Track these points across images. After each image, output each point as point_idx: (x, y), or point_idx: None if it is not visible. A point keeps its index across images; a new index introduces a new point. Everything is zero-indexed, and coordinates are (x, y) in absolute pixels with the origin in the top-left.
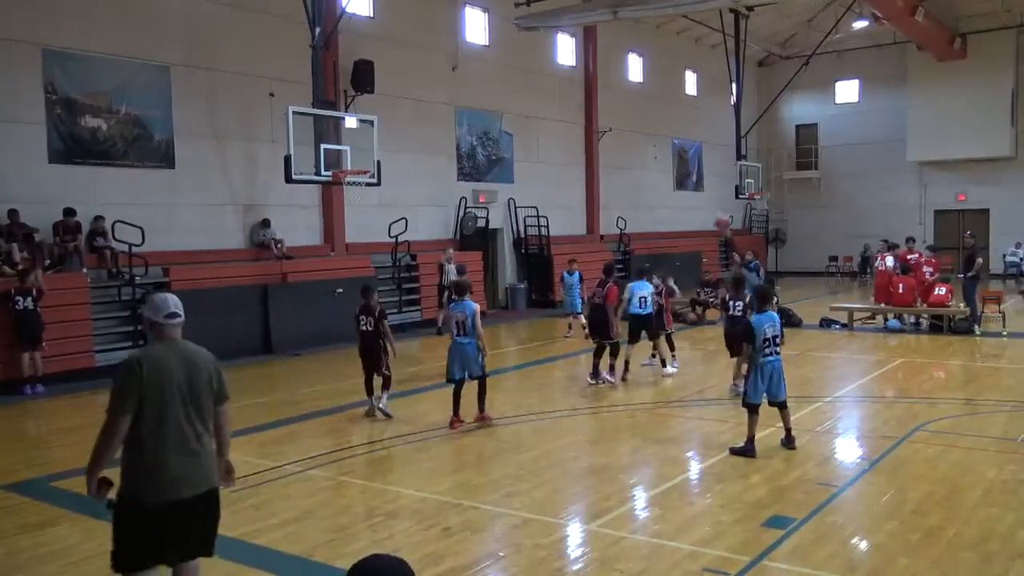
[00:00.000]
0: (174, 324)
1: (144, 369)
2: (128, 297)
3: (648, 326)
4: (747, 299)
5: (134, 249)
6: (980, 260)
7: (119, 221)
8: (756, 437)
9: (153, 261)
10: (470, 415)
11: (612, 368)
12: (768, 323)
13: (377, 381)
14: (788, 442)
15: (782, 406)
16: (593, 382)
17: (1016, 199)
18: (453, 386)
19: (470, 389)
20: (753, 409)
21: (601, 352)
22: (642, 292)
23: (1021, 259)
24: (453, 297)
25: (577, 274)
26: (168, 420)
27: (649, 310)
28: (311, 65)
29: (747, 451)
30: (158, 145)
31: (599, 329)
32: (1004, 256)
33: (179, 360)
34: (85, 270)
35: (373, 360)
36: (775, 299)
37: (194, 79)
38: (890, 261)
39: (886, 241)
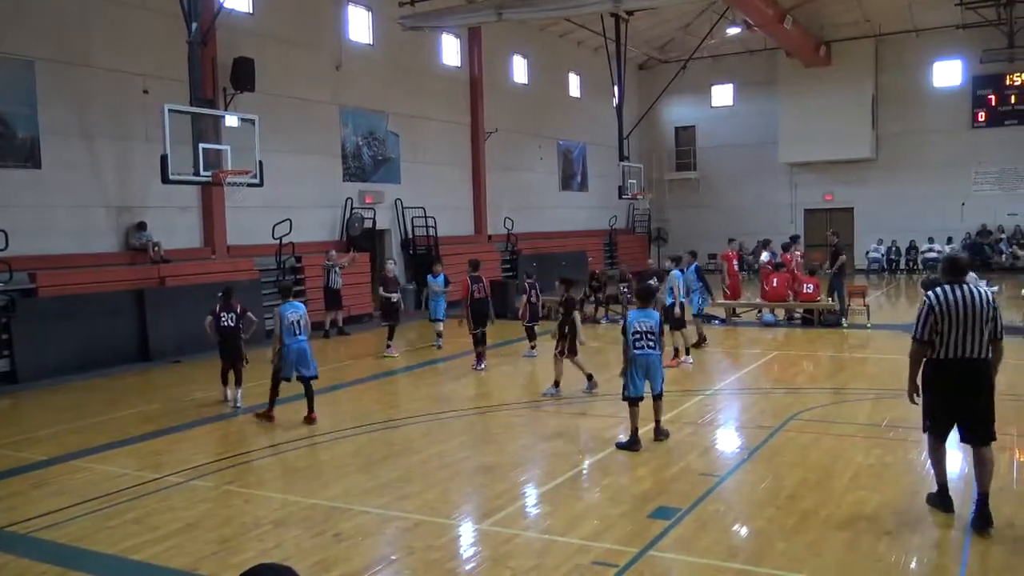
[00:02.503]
0: None
1: None
2: None
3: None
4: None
5: None
6: (844, 256)
7: None
8: (639, 430)
9: (18, 266)
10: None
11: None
12: (642, 319)
13: (232, 377)
14: (658, 434)
15: (656, 398)
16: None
17: (877, 198)
18: (284, 383)
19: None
20: (633, 402)
21: (483, 341)
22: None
23: (882, 255)
24: (289, 299)
25: (442, 277)
26: None
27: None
28: (188, 62)
29: (632, 444)
30: (22, 144)
31: (481, 319)
32: (867, 252)
33: None
34: None
35: (236, 353)
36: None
37: (62, 75)
38: (764, 257)
39: (761, 241)
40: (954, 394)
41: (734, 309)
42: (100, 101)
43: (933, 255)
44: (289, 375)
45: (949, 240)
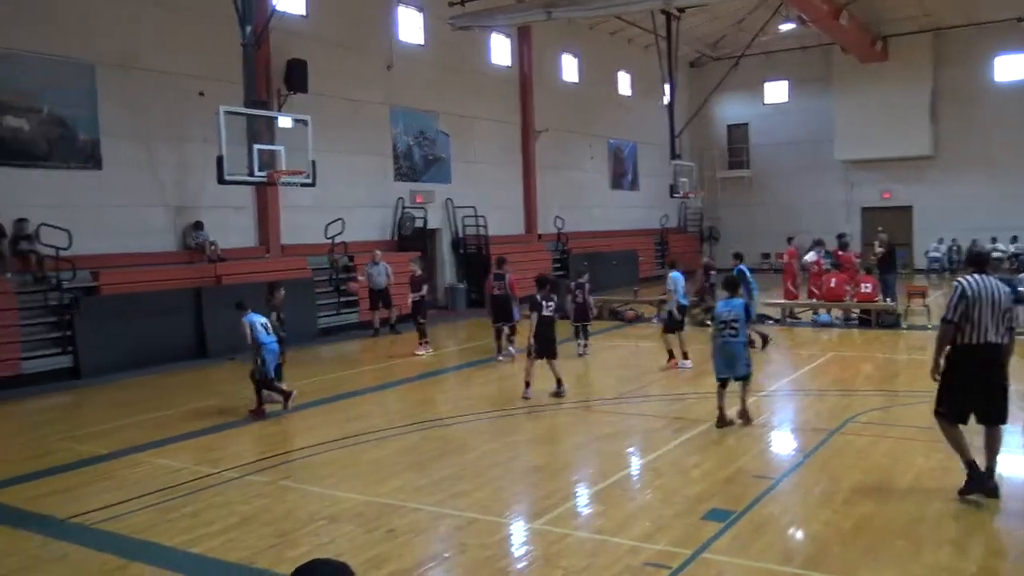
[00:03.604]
0: None
1: None
2: (55, 302)
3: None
4: (554, 300)
5: (61, 253)
6: (879, 248)
7: (44, 224)
8: (724, 408)
9: (81, 265)
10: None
11: (511, 345)
12: (726, 308)
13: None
14: (741, 416)
15: (743, 380)
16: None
17: (937, 196)
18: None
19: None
20: (720, 384)
21: (501, 334)
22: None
23: (943, 255)
24: (273, 303)
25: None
26: None
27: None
28: (243, 64)
29: (718, 422)
30: (83, 145)
31: (503, 315)
32: (927, 252)
33: None
34: (9, 275)
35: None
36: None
37: (121, 78)
38: (811, 257)
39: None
40: (978, 377)
41: (791, 309)
42: (158, 103)
43: (997, 254)
44: (270, 372)
45: (1014, 239)
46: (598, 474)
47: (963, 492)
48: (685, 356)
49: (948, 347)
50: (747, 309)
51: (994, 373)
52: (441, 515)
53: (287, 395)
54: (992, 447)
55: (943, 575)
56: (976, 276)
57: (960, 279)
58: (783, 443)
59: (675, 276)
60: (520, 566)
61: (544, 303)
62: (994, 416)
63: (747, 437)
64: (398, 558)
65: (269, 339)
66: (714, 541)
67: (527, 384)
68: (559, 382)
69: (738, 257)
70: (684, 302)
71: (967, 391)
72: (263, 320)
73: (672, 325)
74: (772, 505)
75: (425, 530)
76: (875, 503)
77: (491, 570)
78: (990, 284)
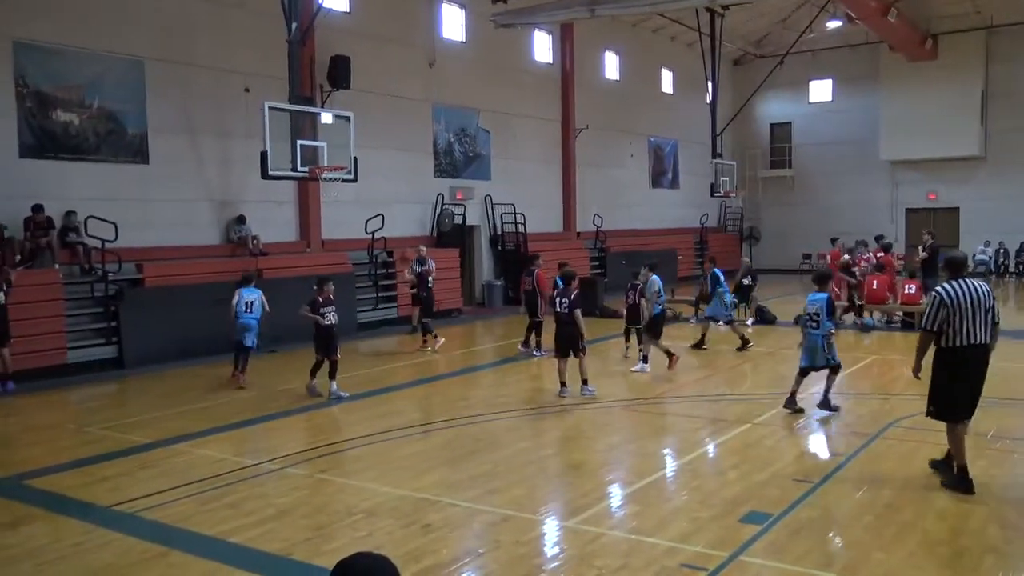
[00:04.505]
0: None
1: None
2: (100, 293)
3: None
4: (570, 296)
5: (107, 245)
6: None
7: (92, 217)
8: (796, 393)
9: (127, 257)
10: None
11: (539, 344)
12: (810, 301)
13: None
14: (822, 403)
15: (832, 370)
16: (525, 350)
17: (984, 198)
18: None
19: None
20: (800, 371)
21: (532, 329)
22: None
23: (990, 257)
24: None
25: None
26: None
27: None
28: (287, 60)
29: (789, 404)
30: (132, 140)
31: (531, 310)
32: (974, 255)
33: None
34: (57, 266)
35: (333, 346)
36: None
37: (168, 73)
38: (849, 257)
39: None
40: (970, 377)
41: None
42: (204, 99)
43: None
44: (239, 341)
45: None
46: (634, 474)
47: (945, 484)
48: (645, 360)
49: (934, 349)
50: (830, 303)
51: (982, 372)
52: (476, 511)
53: (235, 371)
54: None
55: None
56: (953, 283)
57: (937, 288)
58: (823, 447)
59: (655, 279)
60: (554, 564)
61: (558, 300)
62: (972, 411)
63: (786, 440)
64: (434, 553)
65: (243, 316)
66: (751, 544)
67: (562, 383)
68: (584, 381)
69: (712, 261)
70: (658, 309)
71: (955, 391)
72: (253, 297)
73: (652, 328)
74: (811, 509)
75: (460, 526)
76: (917, 509)
77: (526, 567)
78: (969, 288)
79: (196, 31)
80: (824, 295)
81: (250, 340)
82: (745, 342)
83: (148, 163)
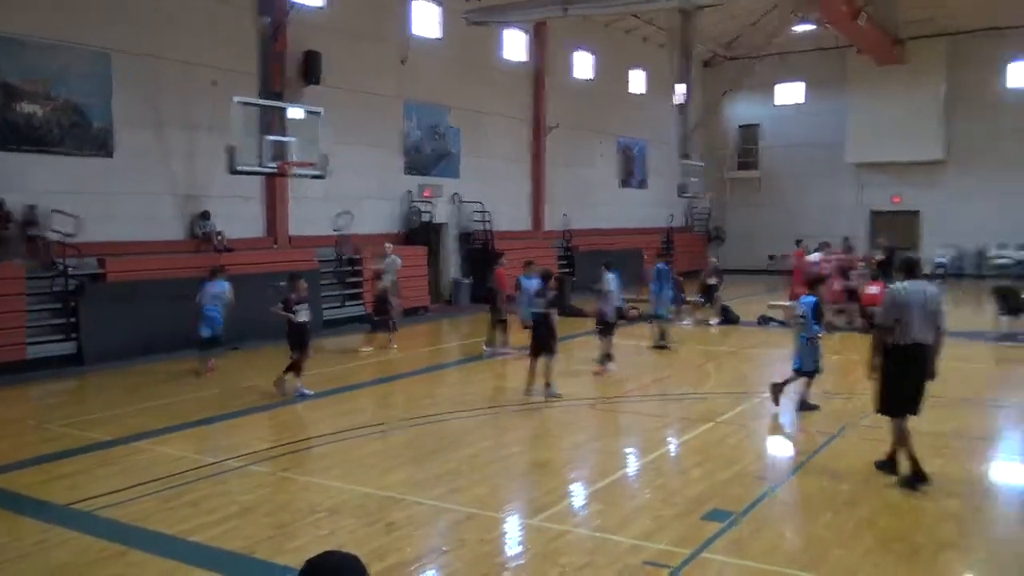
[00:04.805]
0: None
1: None
2: (61, 288)
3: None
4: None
5: (69, 239)
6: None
7: (54, 210)
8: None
9: (88, 251)
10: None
11: (506, 342)
12: (801, 303)
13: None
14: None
15: (803, 374)
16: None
17: (946, 202)
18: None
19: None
20: (794, 372)
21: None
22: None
23: (948, 260)
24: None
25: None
26: None
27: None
28: (259, 55)
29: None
30: (96, 133)
31: (491, 307)
32: (933, 258)
33: None
34: (17, 260)
35: (306, 343)
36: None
37: (135, 66)
38: (814, 258)
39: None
40: (912, 374)
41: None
42: (171, 92)
43: (1003, 261)
44: (199, 334)
45: (1022, 246)
46: (598, 472)
47: (905, 483)
48: (610, 358)
49: (881, 349)
50: (816, 307)
51: (922, 370)
52: (440, 509)
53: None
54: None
55: None
56: (907, 283)
57: (891, 287)
58: (785, 445)
59: (610, 277)
60: (519, 562)
61: (536, 299)
62: (917, 410)
63: (748, 438)
64: (398, 551)
65: (209, 308)
66: (713, 541)
67: (530, 383)
68: (547, 384)
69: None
70: (621, 304)
71: (899, 387)
72: (220, 289)
73: (605, 327)
74: (772, 507)
75: (425, 524)
76: (875, 506)
77: (490, 565)
78: (919, 289)
79: (165, 23)
80: (812, 298)
81: (205, 331)
82: (662, 339)
83: (112, 156)
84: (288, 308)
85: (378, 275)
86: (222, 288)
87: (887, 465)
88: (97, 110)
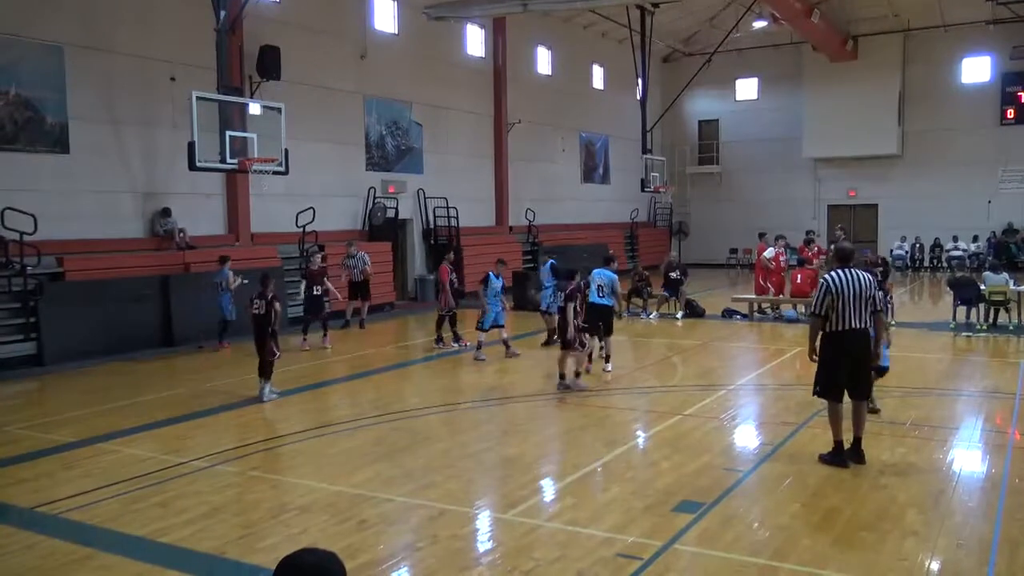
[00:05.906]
0: None
1: None
2: (19, 288)
3: (607, 318)
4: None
5: (26, 238)
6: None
7: (8, 208)
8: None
9: (46, 250)
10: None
11: (457, 336)
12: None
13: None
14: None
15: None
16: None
17: (902, 195)
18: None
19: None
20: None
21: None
22: (600, 280)
23: (906, 252)
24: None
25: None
26: None
27: (609, 301)
28: (216, 50)
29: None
30: (51, 129)
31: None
32: (891, 250)
33: None
34: None
35: (260, 344)
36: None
37: (90, 61)
38: (768, 253)
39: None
40: (847, 359)
41: (759, 305)
42: (128, 87)
43: (958, 253)
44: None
45: (975, 239)
46: (569, 466)
47: (823, 459)
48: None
49: (822, 333)
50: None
51: (861, 354)
52: (412, 506)
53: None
54: (858, 420)
55: (905, 565)
56: (841, 271)
57: (825, 276)
58: (751, 437)
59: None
60: (492, 557)
61: (559, 296)
62: (859, 392)
63: (716, 430)
64: (370, 549)
65: (221, 295)
66: (684, 533)
67: (561, 375)
68: (561, 376)
69: (549, 254)
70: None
71: (836, 371)
72: (220, 278)
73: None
74: (741, 498)
75: (396, 521)
76: (842, 496)
77: (464, 560)
78: (853, 277)
79: (120, 17)
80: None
81: (222, 315)
82: (550, 336)
83: (68, 152)
84: (250, 304)
85: (323, 273)
86: (223, 276)
87: (854, 453)
88: (51, 105)
